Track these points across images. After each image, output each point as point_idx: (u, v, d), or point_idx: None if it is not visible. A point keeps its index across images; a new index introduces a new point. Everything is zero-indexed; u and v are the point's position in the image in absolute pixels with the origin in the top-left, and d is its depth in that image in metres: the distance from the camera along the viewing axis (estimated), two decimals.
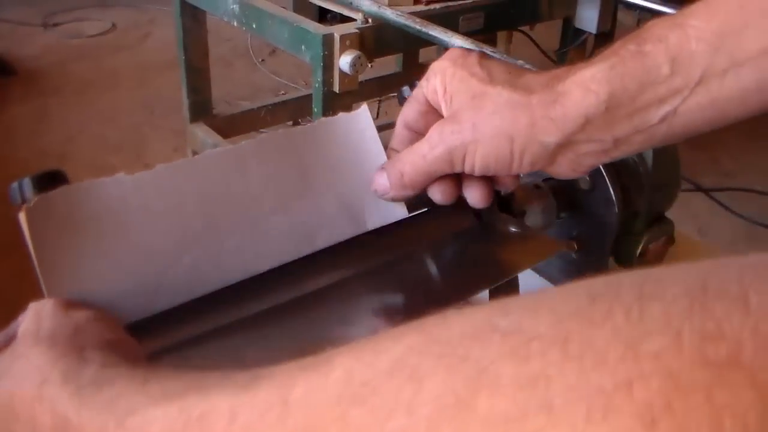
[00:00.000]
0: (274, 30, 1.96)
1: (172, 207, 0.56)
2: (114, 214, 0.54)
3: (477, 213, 0.72)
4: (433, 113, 0.64)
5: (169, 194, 0.56)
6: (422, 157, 0.60)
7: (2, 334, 0.49)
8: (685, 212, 2.67)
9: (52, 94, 3.47)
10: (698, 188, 2.79)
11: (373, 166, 0.66)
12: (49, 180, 0.52)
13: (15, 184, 0.52)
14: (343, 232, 0.64)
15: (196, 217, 0.57)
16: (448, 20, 1.87)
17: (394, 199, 0.65)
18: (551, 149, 0.57)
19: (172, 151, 3.07)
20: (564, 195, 0.80)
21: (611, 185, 0.76)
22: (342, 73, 1.84)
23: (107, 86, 3.56)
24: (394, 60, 2.89)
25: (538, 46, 2.49)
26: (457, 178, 0.64)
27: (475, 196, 0.64)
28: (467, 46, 1.52)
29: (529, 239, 0.68)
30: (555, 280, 0.86)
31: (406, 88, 0.74)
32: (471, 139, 0.58)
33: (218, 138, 2.57)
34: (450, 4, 1.90)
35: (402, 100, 0.74)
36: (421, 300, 0.61)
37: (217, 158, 0.59)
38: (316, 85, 1.88)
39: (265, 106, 2.83)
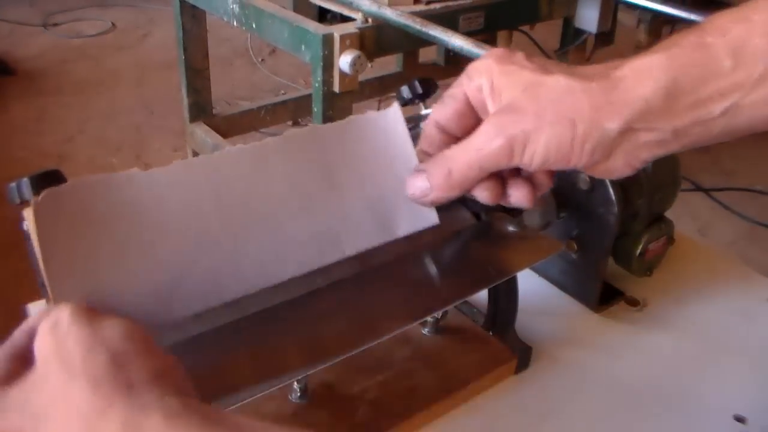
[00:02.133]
0: (273, 30, 1.96)
1: (188, 206, 0.53)
2: (126, 212, 0.51)
3: (476, 212, 0.72)
4: (470, 115, 0.61)
5: (185, 192, 0.53)
6: (477, 150, 0.57)
7: (7, 348, 0.44)
8: (686, 212, 2.67)
9: (52, 93, 3.47)
10: (698, 188, 2.79)
11: (404, 168, 0.62)
12: (47, 180, 0.52)
13: (13, 184, 0.52)
14: (371, 238, 0.60)
15: (213, 218, 0.54)
16: (448, 20, 1.86)
17: (433, 203, 0.62)
18: (612, 137, 0.55)
19: (172, 151, 3.07)
20: (564, 195, 0.80)
21: (611, 185, 0.76)
22: (342, 73, 1.83)
23: (107, 86, 3.56)
24: (394, 60, 2.89)
25: (538, 45, 2.49)
26: (502, 178, 0.61)
27: (520, 195, 0.61)
28: (467, 47, 1.52)
29: (528, 239, 0.68)
30: (555, 281, 0.86)
31: (405, 88, 0.74)
32: (533, 127, 0.55)
33: (218, 138, 2.57)
34: (450, 3, 1.89)
35: (402, 101, 0.74)
36: (419, 300, 0.61)
37: (237, 156, 0.55)
38: (316, 85, 1.88)
39: (264, 106, 2.83)
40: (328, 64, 1.82)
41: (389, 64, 2.89)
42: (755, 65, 0.51)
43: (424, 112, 0.73)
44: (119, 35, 4.13)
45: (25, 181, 0.51)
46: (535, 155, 0.56)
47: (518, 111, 0.56)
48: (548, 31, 2.48)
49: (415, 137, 0.73)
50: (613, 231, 0.77)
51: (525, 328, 0.76)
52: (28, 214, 0.51)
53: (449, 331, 0.75)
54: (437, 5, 1.89)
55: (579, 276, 0.82)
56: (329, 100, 1.90)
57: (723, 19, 0.53)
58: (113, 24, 4.22)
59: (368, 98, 3.11)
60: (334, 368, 0.68)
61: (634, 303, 0.84)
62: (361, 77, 2.82)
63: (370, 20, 1.82)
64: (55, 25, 4.19)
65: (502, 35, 2.27)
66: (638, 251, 0.84)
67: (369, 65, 1.84)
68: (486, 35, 2.08)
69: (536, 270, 0.88)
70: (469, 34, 2.03)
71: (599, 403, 0.71)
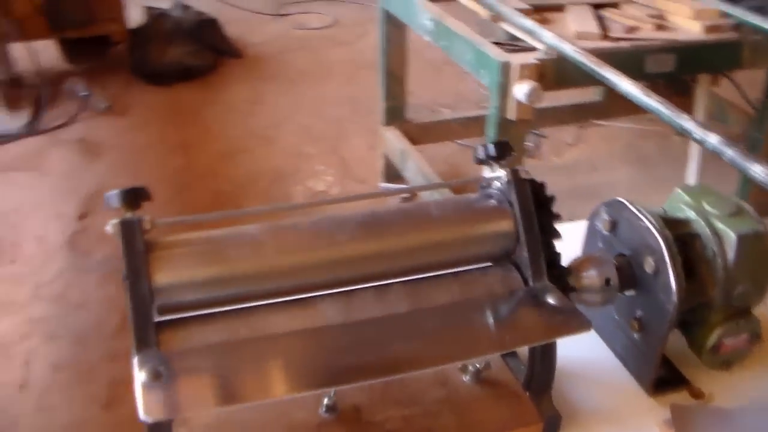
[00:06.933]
0: (460, 50, 2.06)
1: None
2: None
3: (525, 278, 0.78)
4: None
5: None
6: None
7: None
8: None
9: (270, 80, 3.82)
10: None
11: None
12: (133, 195, 0.67)
13: (108, 194, 0.68)
14: None
15: None
16: (634, 59, 1.86)
17: None
18: None
19: (367, 149, 3.27)
20: (631, 273, 0.83)
21: (673, 273, 0.78)
22: (517, 101, 1.89)
23: (320, 78, 3.86)
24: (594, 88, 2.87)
25: (741, 92, 2.36)
26: None
27: None
28: (634, 93, 1.52)
29: (561, 314, 0.72)
30: (619, 355, 0.89)
31: (480, 148, 0.81)
32: None
33: (407, 144, 2.72)
34: (639, 42, 1.88)
35: (475, 159, 0.82)
36: (423, 351, 0.69)
37: None
38: (492, 110, 1.96)
39: (460, 118, 2.94)
40: (504, 91, 1.89)
41: (588, 91, 2.90)
42: None
43: (487, 174, 0.80)
44: (340, 31, 4.44)
45: (115, 194, 0.66)
46: None
47: None
48: (752, 79, 2.35)
49: (483, 197, 0.81)
50: (670, 319, 0.79)
51: (574, 392, 0.81)
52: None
53: (489, 382, 0.81)
54: (625, 43, 1.89)
55: (639, 355, 0.85)
56: (503, 126, 1.97)
57: None
58: (336, 19, 4.54)
59: (565, 123, 3.12)
60: (367, 393, 0.78)
61: (698, 395, 0.85)
62: (559, 103, 2.86)
63: (552, 52, 1.86)
64: (285, 15, 4.59)
65: (703, 79, 2.19)
66: (710, 343, 0.84)
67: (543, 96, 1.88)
68: (675, 78, 2.02)
69: (604, 340, 0.91)
70: (658, 75, 2.00)
71: None
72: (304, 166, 3.14)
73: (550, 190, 0.79)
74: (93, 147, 3.09)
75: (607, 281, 0.81)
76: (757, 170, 1.18)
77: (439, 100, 3.67)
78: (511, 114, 1.93)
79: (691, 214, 0.84)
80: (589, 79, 1.77)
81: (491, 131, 2.00)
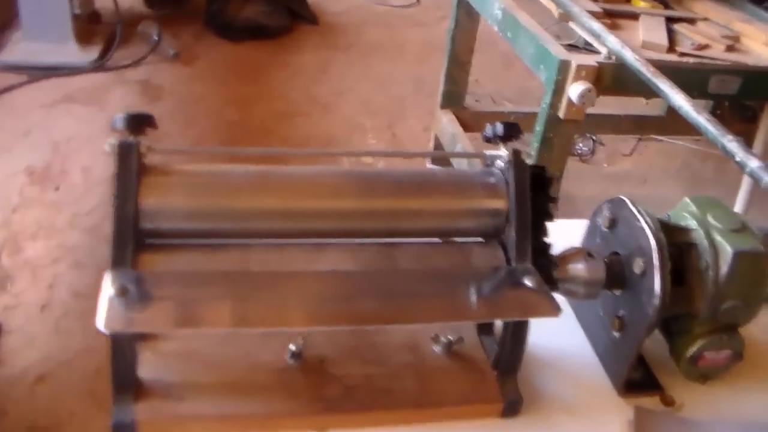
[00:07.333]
0: (523, 43, 2.06)
1: None
2: None
3: (509, 258, 0.79)
4: None
5: None
6: None
7: None
8: None
9: (341, 50, 3.86)
10: None
11: None
12: (138, 121, 0.71)
13: (115, 117, 0.71)
14: None
15: None
16: (697, 76, 1.83)
17: None
18: None
19: (422, 130, 3.29)
20: (621, 272, 0.84)
21: (659, 276, 0.78)
22: (570, 101, 1.89)
23: (390, 55, 3.88)
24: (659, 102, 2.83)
25: None
26: None
27: None
28: (685, 108, 1.51)
29: (534, 295, 0.73)
30: (600, 355, 0.90)
31: (489, 127, 0.82)
32: None
33: (459, 129, 2.73)
34: (705, 61, 1.85)
35: (484, 138, 0.83)
36: (382, 308, 0.71)
37: None
38: (543, 106, 1.95)
39: (515, 112, 2.93)
40: (559, 89, 1.88)
41: (655, 104, 2.86)
42: None
43: (488, 152, 0.81)
44: (420, 12, 4.45)
45: (121, 117, 0.70)
46: None
47: None
48: None
49: (484, 173, 0.82)
50: (650, 322, 0.79)
51: (544, 380, 0.83)
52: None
53: (459, 356, 0.83)
54: (690, 59, 1.86)
55: (615, 354, 0.85)
56: (552, 124, 1.96)
57: None
58: (419, 0, 4.55)
59: (624, 133, 3.08)
60: (335, 347, 0.81)
61: (669, 402, 0.85)
62: (620, 112, 2.82)
63: (613, 57, 1.85)
64: None
65: None
66: (689, 354, 0.84)
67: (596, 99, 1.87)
68: (738, 102, 1.98)
69: (588, 335, 0.91)
70: (721, 96, 1.96)
71: None
72: (357, 137, 3.18)
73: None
74: (154, 90, 3.18)
75: (589, 254, 0.82)
76: None
77: (504, 93, 3.65)
78: (562, 113, 1.93)
79: (692, 224, 0.84)
80: (644, 88, 1.76)
81: (540, 127, 2.00)
